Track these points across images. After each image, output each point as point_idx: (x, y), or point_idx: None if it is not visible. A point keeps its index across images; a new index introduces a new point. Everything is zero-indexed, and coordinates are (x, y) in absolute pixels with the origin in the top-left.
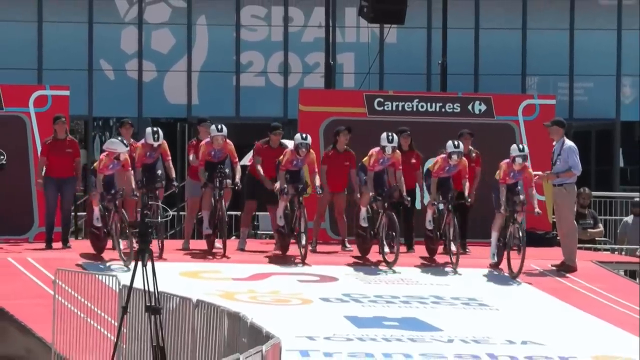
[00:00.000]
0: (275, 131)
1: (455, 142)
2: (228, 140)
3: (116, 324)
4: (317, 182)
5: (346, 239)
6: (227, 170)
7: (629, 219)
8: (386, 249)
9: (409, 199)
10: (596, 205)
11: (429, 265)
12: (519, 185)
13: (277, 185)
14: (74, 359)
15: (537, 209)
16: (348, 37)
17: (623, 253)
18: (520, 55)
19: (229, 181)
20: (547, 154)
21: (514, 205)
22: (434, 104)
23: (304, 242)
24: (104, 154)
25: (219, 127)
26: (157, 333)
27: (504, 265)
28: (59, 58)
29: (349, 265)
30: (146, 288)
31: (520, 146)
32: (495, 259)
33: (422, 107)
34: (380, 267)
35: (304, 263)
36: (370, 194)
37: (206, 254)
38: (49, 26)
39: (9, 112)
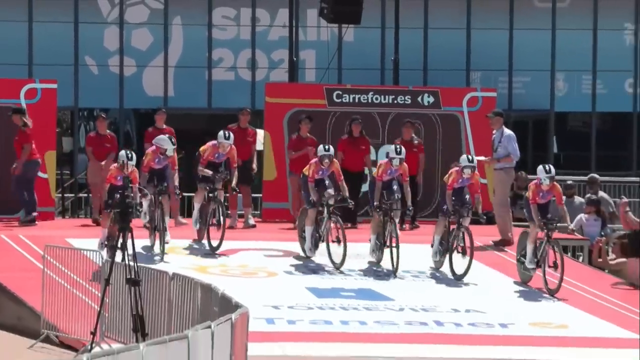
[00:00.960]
0: (243, 111)
1: (470, 157)
2: (233, 146)
3: (99, 294)
4: (346, 192)
5: None
6: (227, 173)
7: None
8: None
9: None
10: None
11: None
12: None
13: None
14: (61, 326)
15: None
16: (310, 36)
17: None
18: (465, 52)
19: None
20: (488, 142)
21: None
22: (387, 96)
23: (340, 251)
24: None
25: (227, 134)
26: (136, 303)
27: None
28: (48, 54)
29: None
30: (127, 261)
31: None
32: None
33: (376, 99)
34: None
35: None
36: (375, 203)
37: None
38: (38, 26)
39: (2, 104)
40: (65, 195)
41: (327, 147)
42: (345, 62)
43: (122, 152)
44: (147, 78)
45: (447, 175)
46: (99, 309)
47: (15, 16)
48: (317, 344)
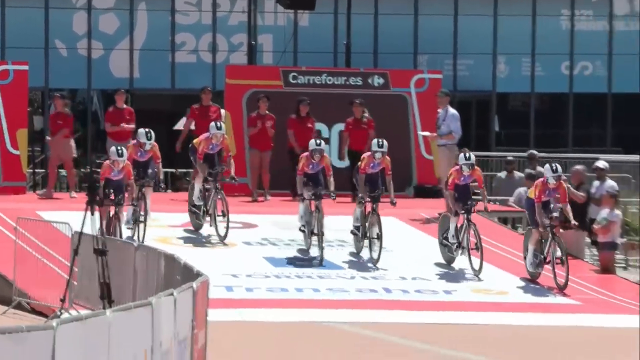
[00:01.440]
0: (204, 90)
1: (467, 155)
2: (226, 136)
3: (69, 264)
4: (332, 187)
5: (268, 193)
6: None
7: (502, 174)
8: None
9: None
10: (477, 163)
11: (341, 214)
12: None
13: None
14: (32, 294)
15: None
16: (267, 21)
17: (497, 203)
18: (413, 36)
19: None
20: (434, 120)
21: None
22: (339, 78)
23: (323, 244)
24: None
25: (219, 125)
26: (103, 272)
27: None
28: (20, 38)
29: (267, 214)
30: (94, 233)
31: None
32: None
33: (329, 80)
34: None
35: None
36: (360, 195)
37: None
38: (11, 10)
39: None
40: (36, 170)
41: (318, 141)
42: (300, 45)
43: (141, 130)
44: (113, 60)
45: (448, 177)
46: (68, 277)
47: None
48: (273, 310)
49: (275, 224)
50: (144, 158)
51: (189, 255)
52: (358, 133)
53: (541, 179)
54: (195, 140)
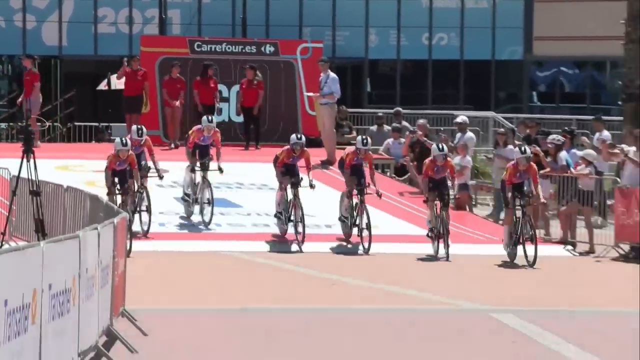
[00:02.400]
0: (134, 57)
1: (440, 146)
2: (216, 129)
3: (8, 203)
4: (311, 176)
5: (177, 141)
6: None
7: (374, 128)
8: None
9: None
10: (351, 118)
11: (238, 161)
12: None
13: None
14: None
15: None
16: None
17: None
18: (298, 12)
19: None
20: (317, 82)
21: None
22: (237, 46)
23: (300, 229)
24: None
25: (210, 118)
26: (38, 210)
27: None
28: None
29: (178, 161)
30: (30, 177)
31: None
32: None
33: (228, 48)
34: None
35: (301, 245)
36: (347, 188)
37: None
38: None
39: None
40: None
41: (299, 136)
42: (204, 19)
43: (134, 127)
44: (45, 31)
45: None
46: (7, 214)
47: None
48: (181, 242)
49: (184, 169)
50: (138, 151)
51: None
52: (250, 92)
53: (512, 162)
54: (190, 132)
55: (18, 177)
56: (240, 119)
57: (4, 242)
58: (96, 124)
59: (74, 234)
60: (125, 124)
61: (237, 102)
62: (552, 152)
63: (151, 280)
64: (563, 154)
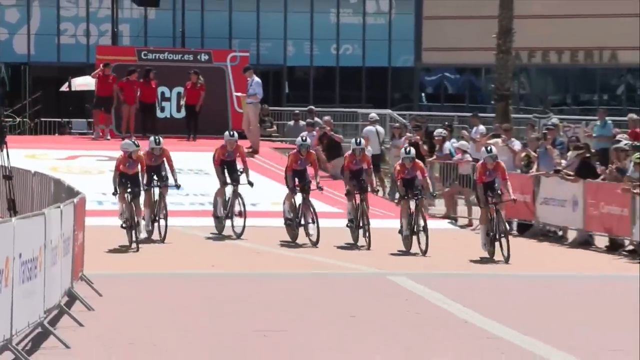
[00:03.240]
0: (107, 65)
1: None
2: (239, 143)
3: None
4: (317, 178)
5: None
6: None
7: (291, 123)
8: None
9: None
10: (273, 115)
11: (180, 150)
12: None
13: None
14: None
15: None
16: (125, 15)
17: (287, 143)
18: (229, 25)
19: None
20: (244, 84)
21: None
22: (177, 55)
23: (311, 231)
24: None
25: (232, 133)
26: (10, 191)
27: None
28: None
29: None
30: (3, 164)
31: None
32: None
33: (170, 56)
34: None
35: (315, 246)
36: (347, 188)
37: None
38: None
39: None
40: None
41: (304, 137)
42: (149, 32)
43: (152, 138)
44: (16, 42)
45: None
46: None
47: None
48: None
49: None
50: (158, 162)
51: (70, 179)
52: (193, 93)
53: (480, 162)
54: (215, 150)
55: None
56: (180, 115)
57: None
58: (59, 119)
59: (40, 212)
60: (89, 119)
61: (177, 101)
62: (439, 143)
63: (107, 250)
64: (447, 145)
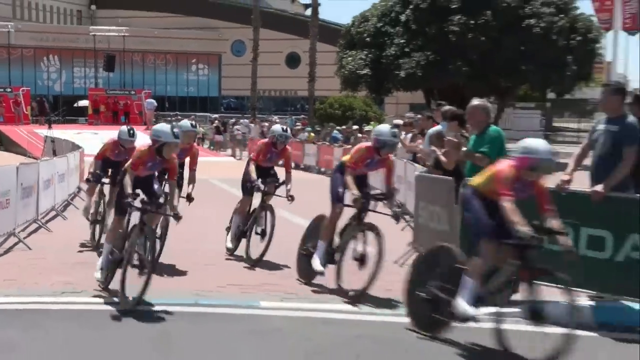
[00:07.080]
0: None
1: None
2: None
3: None
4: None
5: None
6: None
7: (245, 121)
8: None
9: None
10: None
11: None
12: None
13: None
14: None
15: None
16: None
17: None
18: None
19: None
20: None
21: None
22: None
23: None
24: (112, 139)
25: (284, 128)
26: (53, 146)
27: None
28: None
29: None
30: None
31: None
32: None
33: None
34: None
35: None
36: (354, 192)
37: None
38: None
39: None
40: None
41: (284, 127)
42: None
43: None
44: None
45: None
46: None
47: None
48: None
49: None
50: (121, 158)
51: (79, 142)
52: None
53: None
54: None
55: None
56: None
57: None
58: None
59: (64, 155)
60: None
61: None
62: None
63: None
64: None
